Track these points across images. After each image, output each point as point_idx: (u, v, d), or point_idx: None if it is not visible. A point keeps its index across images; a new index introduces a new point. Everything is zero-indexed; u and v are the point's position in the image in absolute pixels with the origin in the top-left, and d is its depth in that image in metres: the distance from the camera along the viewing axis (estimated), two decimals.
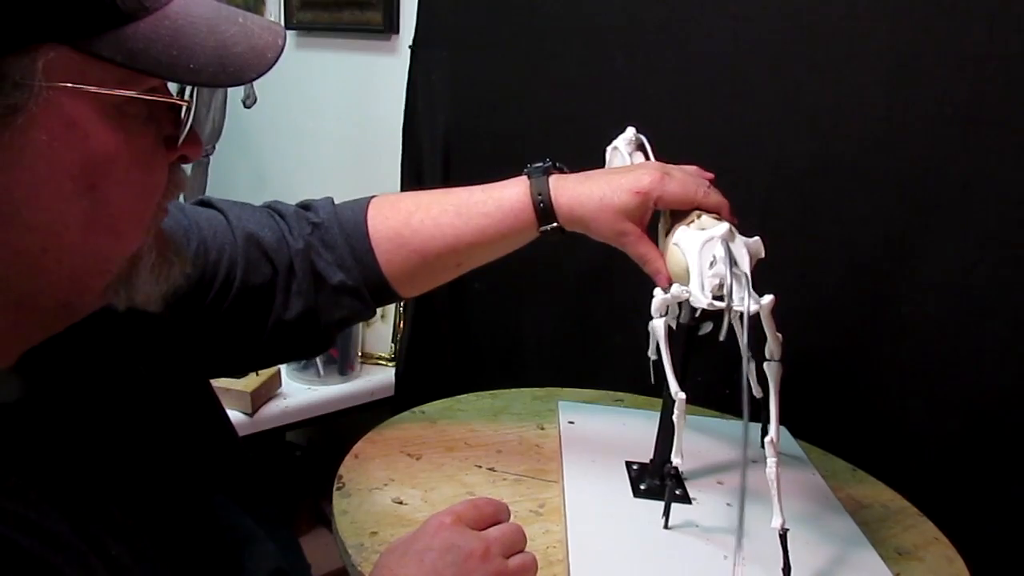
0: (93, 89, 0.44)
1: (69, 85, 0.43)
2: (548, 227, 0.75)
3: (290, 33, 2.03)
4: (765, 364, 0.68)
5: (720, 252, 0.67)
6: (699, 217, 0.72)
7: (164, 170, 0.50)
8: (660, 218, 0.77)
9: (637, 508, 0.77)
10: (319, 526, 1.81)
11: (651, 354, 0.82)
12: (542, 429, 0.93)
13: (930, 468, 0.93)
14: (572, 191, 0.75)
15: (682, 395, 0.69)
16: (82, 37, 0.42)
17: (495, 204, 0.76)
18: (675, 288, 0.69)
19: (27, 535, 0.43)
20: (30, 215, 0.44)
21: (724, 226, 0.68)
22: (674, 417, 0.70)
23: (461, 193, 0.79)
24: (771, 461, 0.64)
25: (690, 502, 0.78)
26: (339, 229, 0.77)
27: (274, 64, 0.49)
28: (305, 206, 0.79)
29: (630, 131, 0.83)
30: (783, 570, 0.66)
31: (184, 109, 0.50)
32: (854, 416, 0.96)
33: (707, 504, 0.78)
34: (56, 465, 0.49)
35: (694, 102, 1.10)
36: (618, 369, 0.98)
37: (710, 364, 1.09)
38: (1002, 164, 0.87)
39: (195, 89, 0.50)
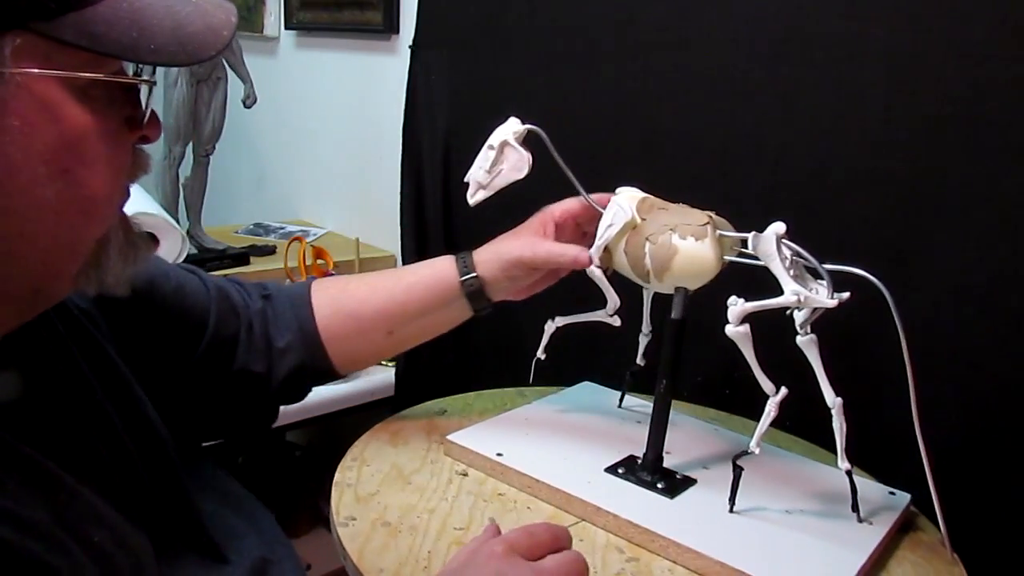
0: (61, 73, 0.45)
1: (36, 71, 0.44)
2: (470, 276, 0.80)
3: (290, 33, 2.04)
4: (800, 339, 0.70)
5: (787, 250, 0.70)
6: (677, 227, 0.74)
7: (129, 150, 0.52)
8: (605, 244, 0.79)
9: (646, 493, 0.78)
10: (319, 526, 1.82)
11: (540, 354, 0.89)
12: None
13: (939, 474, 0.93)
14: (489, 246, 0.82)
15: (784, 391, 0.72)
16: (44, 20, 0.43)
17: (426, 266, 0.83)
18: (803, 294, 0.68)
19: (5, 524, 0.43)
20: (5, 201, 0.45)
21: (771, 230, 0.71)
22: (766, 415, 0.72)
23: (398, 268, 0.86)
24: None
25: (673, 496, 0.78)
26: (286, 298, 0.81)
27: (229, 42, 0.50)
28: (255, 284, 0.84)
29: (513, 121, 0.81)
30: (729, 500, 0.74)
31: (146, 89, 0.51)
32: (853, 416, 0.95)
33: (685, 505, 0.77)
34: (33, 453, 0.49)
35: (694, 102, 1.10)
36: (617, 368, 0.98)
37: (710, 364, 1.09)
38: (1002, 164, 0.87)
39: (155, 69, 0.51)
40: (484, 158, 0.80)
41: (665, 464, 0.81)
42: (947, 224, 0.91)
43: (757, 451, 0.73)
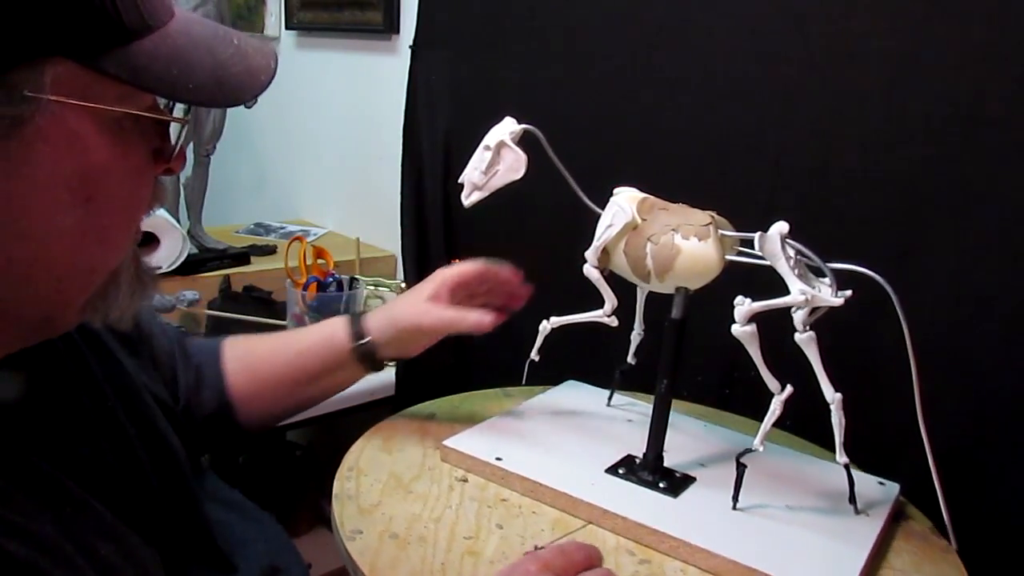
0: (97, 106, 0.45)
1: (73, 101, 0.44)
2: (362, 342, 0.83)
3: (290, 33, 2.04)
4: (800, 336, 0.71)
5: (791, 249, 0.70)
6: (679, 228, 0.73)
7: (151, 183, 0.52)
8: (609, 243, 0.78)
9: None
10: (319, 526, 1.82)
11: (534, 356, 0.89)
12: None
13: (928, 467, 0.93)
14: (383, 309, 0.85)
15: (789, 389, 0.73)
16: (88, 53, 0.44)
17: (319, 329, 0.86)
18: (810, 293, 0.69)
19: (13, 539, 0.43)
20: (26, 224, 0.45)
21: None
22: (771, 413, 0.73)
23: (299, 330, 0.91)
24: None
25: (676, 496, 0.78)
26: (203, 352, 0.83)
27: (267, 86, 0.51)
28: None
29: (509, 121, 0.79)
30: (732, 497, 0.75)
31: (178, 125, 0.52)
32: (853, 416, 0.95)
33: (691, 502, 0.78)
34: (41, 463, 0.49)
35: (694, 102, 1.10)
36: (612, 368, 0.98)
37: (710, 364, 1.09)
38: (1002, 164, 0.87)
39: (189, 107, 0.51)
40: (480, 159, 0.79)
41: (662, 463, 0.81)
42: (947, 224, 0.91)
43: (761, 448, 0.73)
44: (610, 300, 0.81)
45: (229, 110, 1.64)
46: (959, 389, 0.92)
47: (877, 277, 0.68)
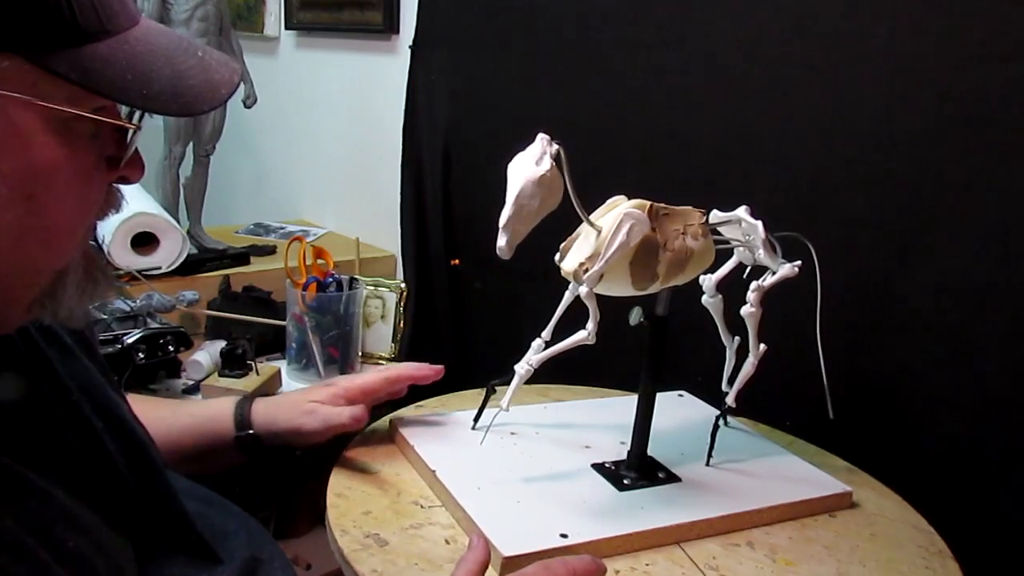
0: (42, 103, 0.44)
1: (18, 95, 0.43)
2: (244, 433, 0.81)
3: (290, 33, 2.04)
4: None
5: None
6: (686, 230, 0.74)
7: (102, 189, 0.51)
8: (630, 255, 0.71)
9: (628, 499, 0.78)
10: (319, 526, 1.82)
11: (505, 407, 0.77)
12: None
13: (929, 467, 0.93)
14: (272, 402, 0.83)
15: (763, 346, 0.83)
16: (39, 51, 0.43)
17: (205, 409, 0.84)
18: (795, 265, 0.80)
19: None
20: None
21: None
22: (745, 373, 0.82)
23: (185, 403, 0.87)
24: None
25: (680, 480, 0.81)
26: None
27: (227, 99, 0.50)
28: None
29: (546, 140, 0.67)
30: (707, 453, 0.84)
31: (131, 132, 0.51)
32: (853, 416, 0.95)
33: (694, 480, 0.81)
34: (0, 461, 0.49)
35: (694, 102, 1.10)
36: (616, 368, 0.98)
37: (710, 364, 1.09)
38: (1002, 164, 0.87)
39: (143, 114, 0.51)
40: (531, 194, 0.64)
41: (594, 454, 0.84)
42: (947, 224, 0.91)
43: (733, 405, 0.85)
44: (595, 317, 0.72)
45: (230, 109, 1.64)
46: (959, 388, 0.92)
47: (801, 237, 0.79)
